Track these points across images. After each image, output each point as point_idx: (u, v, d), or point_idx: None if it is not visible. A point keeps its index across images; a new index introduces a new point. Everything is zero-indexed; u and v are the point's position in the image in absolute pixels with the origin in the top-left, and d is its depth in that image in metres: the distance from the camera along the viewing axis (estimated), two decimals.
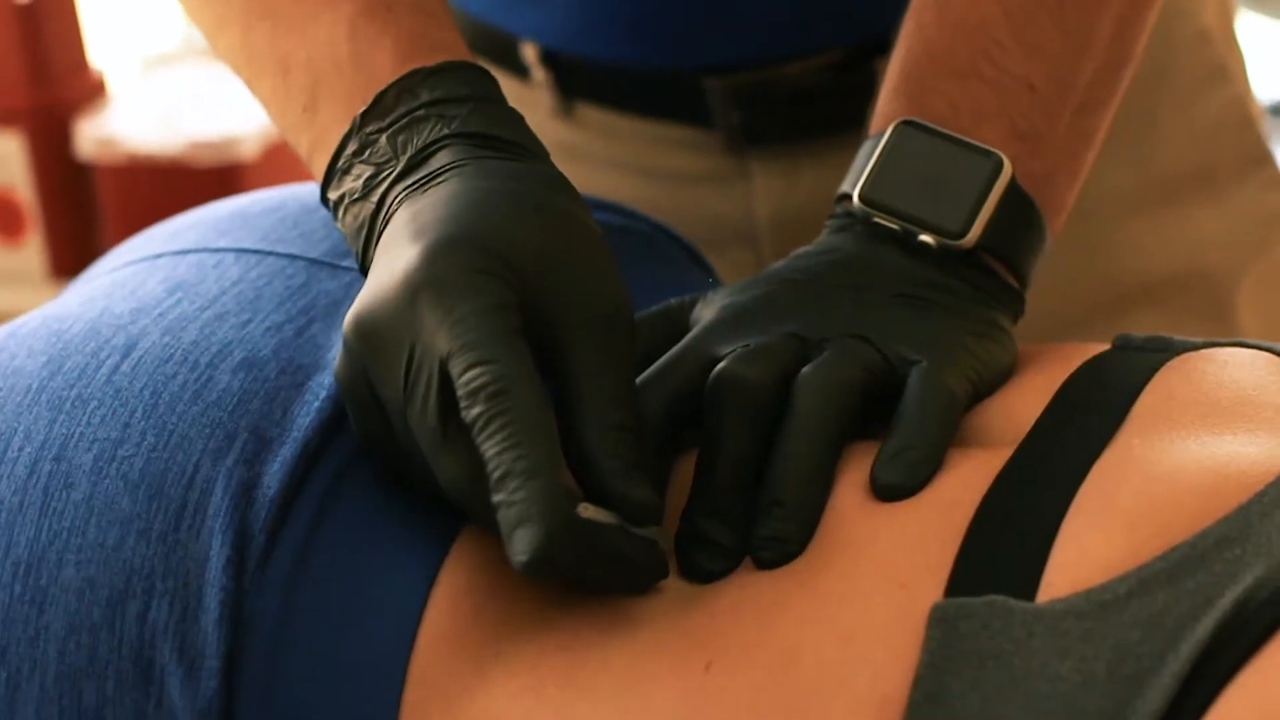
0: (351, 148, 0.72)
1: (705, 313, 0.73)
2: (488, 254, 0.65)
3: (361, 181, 0.71)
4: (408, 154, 0.70)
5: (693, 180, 1.00)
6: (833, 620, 0.61)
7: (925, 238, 0.74)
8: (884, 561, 0.62)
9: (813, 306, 0.71)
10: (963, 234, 0.73)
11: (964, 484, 0.65)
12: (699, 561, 0.65)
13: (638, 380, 0.69)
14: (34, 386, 0.71)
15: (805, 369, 0.68)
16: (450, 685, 0.65)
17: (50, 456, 0.68)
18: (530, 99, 1.01)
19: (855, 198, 0.75)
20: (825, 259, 0.74)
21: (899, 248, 0.74)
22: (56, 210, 1.58)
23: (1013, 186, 0.74)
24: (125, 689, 0.66)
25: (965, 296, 0.73)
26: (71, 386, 0.70)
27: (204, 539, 0.66)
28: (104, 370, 0.70)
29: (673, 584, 0.65)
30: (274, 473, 0.67)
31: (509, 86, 1.02)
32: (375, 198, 0.70)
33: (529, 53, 1.00)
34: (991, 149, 0.74)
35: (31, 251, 1.59)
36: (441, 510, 0.67)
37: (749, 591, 0.64)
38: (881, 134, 0.75)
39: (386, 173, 0.70)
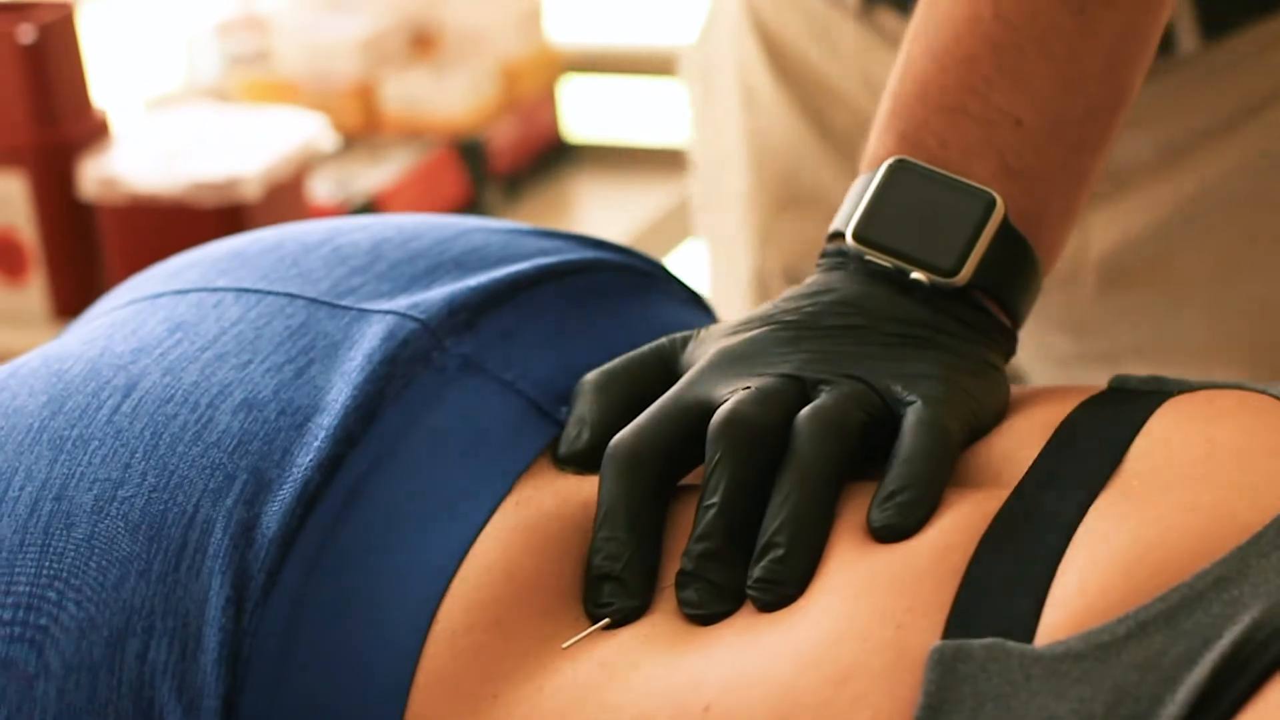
0: None
1: (699, 353, 0.73)
2: None
3: None
4: None
5: None
6: (830, 662, 0.61)
7: (918, 275, 0.74)
8: (881, 603, 0.62)
9: (808, 348, 0.72)
10: (955, 271, 0.74)
11: (961, 526, 0.65)
12: (698, 602, 0.65)
13: (635, 421, 0.70)
14: (35, 426, 0.71)
15: (803, 411, 0.68)
16: None
17: (51, 496, 0.69)
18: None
19: (849, 236, 0.75)
20: (818, 300, 0.74)
21: (892, 286, 0.74)
22: (59, 250, 1.58)
23: (1005, 225, 0.75)
24: None
25: (958, 335, 0.73)
26: (73, 426, 0.70)
27: (204, 579, 0.66)
28: (105, 410, 0.71)
29: (672, 623, 0.65)
30: (273, 513, 0.67)
31: None
32: None
33: None
34: (984, 188, 0.75)
35: (34, 291, 1.59)
36: (439, 549, 0.67)
37: (748, 633, 0.64)
38: (874, 173, 0.76)
39: None
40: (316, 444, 0.69)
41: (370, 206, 1.65)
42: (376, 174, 1.69)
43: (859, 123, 1.12)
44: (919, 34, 0.78)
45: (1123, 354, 1.18)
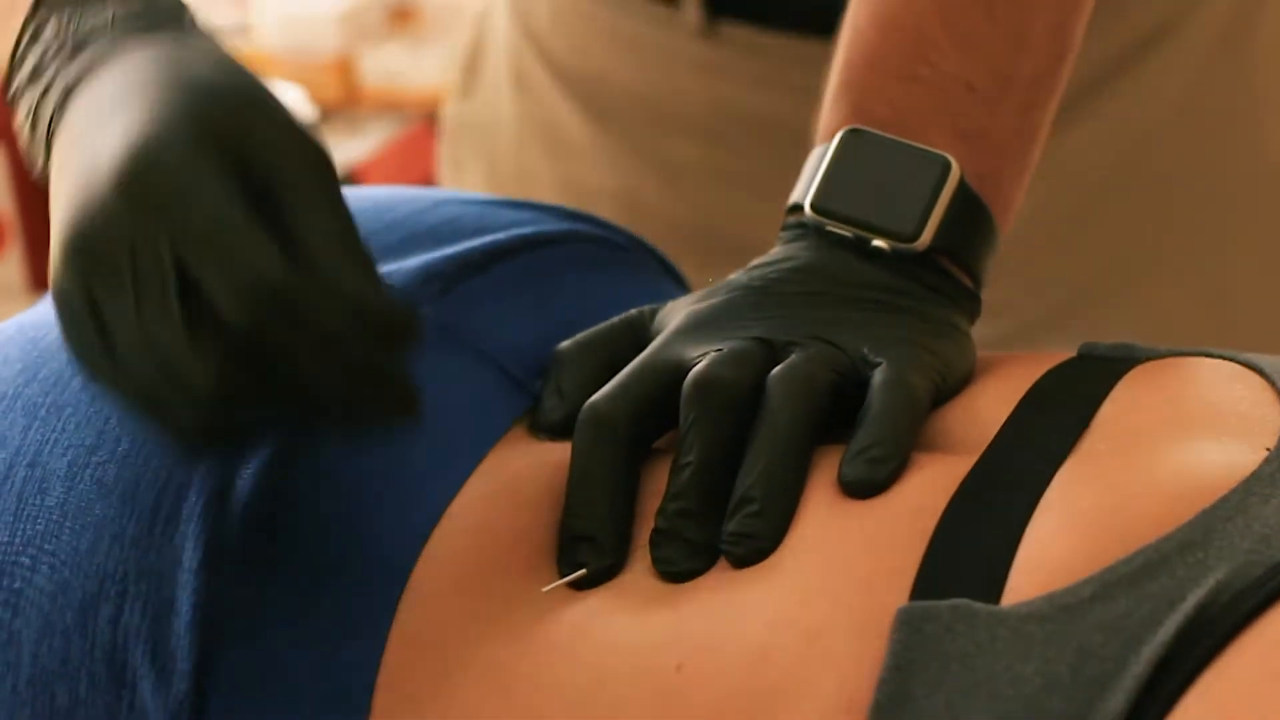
0: (27, 34, 0.69)
1: (668, 320, 0.73)
2: (200, 126, 0.61)
3: (29, 68, 0.69)
4: (73, 34, 0.67)
5: None
6: (800, 621, 0.62)
7: (879, 243, 0.74)
8: (851, 563, 0.63)
9: (776, 312, 0.72)
10: (915, 237, 0.74)
11: (930, 488, 0.65)
12: (673, 559, 0.66)
13: (608, 385, 0.70)
14: (9, 393, 0.71)
15: (774, 371, 0.69)
16: (420, 688, 0.65)
17: (25, 462, 0.69)
18: (671, 20, 1.10)
19: (807, 207, 0.75)
20: (783, 267, 0.74)
21: (854, 254, 0.74)
22: (37, 223, 1.58)
23: (962, 187, 0.75)
24: (97, 691, 0.66)
25: (922, 299, 0.74)
26: (47, 393, 0.71)
27: (177, 543, 0.67)
28: (79, 377, 0.71)
29: (644, 584, 0.66)
30: (247, 477, 0.68)
31: (648, 8, 1.06)
32: (42, 83, 0.68)
33: None
34: (939, 152, 0.75)
35: (12, 264, 1.59)
36: (413, 513, 0.68)
37: (719, 592, 0.64)
38: (828, 143, 0.76)
39: (54, 56, 0.68)
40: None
41: (348, 179, 1.65)
42: (355, 146, 1.69)
43: None
44: (863, 2, 0.78)
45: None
